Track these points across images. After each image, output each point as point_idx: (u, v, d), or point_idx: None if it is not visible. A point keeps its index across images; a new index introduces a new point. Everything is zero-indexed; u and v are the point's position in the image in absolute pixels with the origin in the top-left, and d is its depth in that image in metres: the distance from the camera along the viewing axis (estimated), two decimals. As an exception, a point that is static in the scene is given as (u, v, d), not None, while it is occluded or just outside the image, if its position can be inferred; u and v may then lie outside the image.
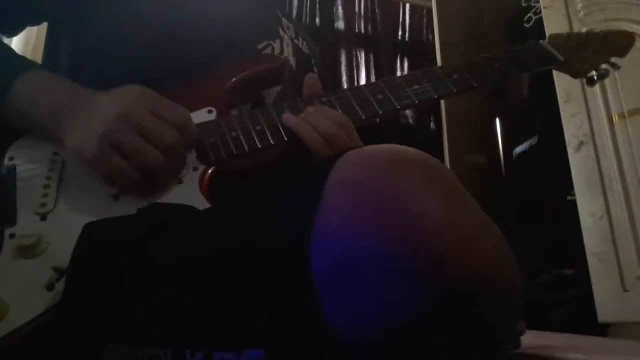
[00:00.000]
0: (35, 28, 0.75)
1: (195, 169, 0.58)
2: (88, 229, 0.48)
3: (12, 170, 0.57)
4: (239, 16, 0.73)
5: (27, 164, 0.57)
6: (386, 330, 0.30)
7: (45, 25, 0.75)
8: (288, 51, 0.78)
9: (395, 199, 0.32)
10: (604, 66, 0.75)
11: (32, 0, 0.69)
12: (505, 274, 0.32)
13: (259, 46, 0.74)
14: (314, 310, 0.31)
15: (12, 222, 0.52)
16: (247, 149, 0.59)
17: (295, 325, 0.32)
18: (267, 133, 0.60)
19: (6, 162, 0.58)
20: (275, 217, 0.38)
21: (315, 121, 0.61)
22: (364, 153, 0.36)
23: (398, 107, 0.67)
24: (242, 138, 0.59)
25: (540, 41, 0.75)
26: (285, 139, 0.62)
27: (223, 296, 0.35)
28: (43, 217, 0.53)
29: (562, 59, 0.72)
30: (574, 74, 0.78)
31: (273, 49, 0.75)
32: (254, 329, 0.33)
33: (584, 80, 0.78)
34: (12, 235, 0.51)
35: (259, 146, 0.59)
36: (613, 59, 0.75)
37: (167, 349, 0.36)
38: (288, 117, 0.63)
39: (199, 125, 0.60)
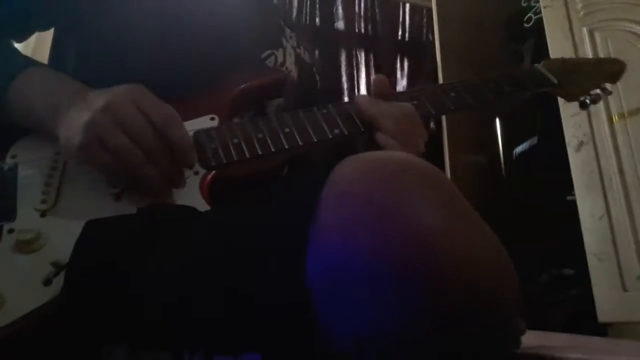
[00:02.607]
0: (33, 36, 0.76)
1: (196, 172, 0.58)
2: (90, 225, 0.49)
3: (14, 167, 0.57)
4: (244, 26, 0.74)
5: (29, 162, 0.58)
6: (381, 340, 0.31)
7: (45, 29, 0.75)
8: (290, 60, 0.79)
9: (393, 210, 0.32)
10: (596, 91, 0.78)
11: (40, 6, 0.70)
12: (503, 284, 0.32)
13: (262, 55, 0.75)
14: (309, 317, 0.32)
15: (12, 217, 0.53)
16: (247, 156, 0.59)
17: (292, 330, 0.32)
18: (269, 141, 0.61)
19: (8, 159, 0.58)
20: (273, 223, 0.38)
21: (389, 112, 0.64)
22: (362, 162, 0.36)
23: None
24: (243, 145, 0.60)
25: (535, 64, 0.78)
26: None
27: (221, 300, 0.36)
28: (43, 214, 0.54)
29: (555, 81, 0.74)
30: (567, 97, 0.81)
31: (276, 58, 0.76)
32: (252, 333, 0.33)
33: (577, 103, 0.81)
34: (10, 231, 0.51)
35: (260, 153, 0.60)
36: (605, 85, 0.78)
37: (166, 351, 0.36)
38: (365, 104, 0.65)
39: (200, 131, 0.61)
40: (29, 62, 0.61)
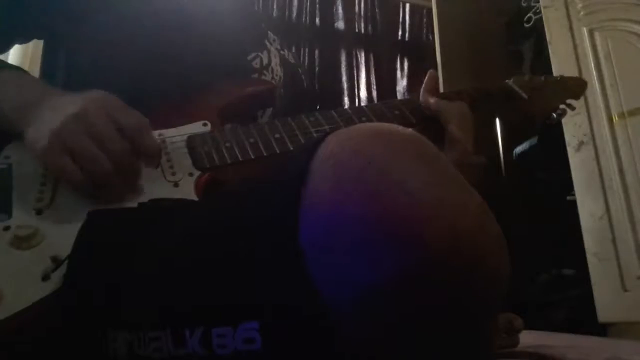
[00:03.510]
0: (33, 41, 0.77)
1: (190, 174, 0.59)
2: (93, 215, 0.50)
3: (8, 167, 0.58)
4: (228, 31, 0.77)
5: (23, 162, 0.58)
6: (373, 294, 0.31)
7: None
8: (275, 61, 0.81)
9: (379, 166, 0.33)
10: (562, 106, 0.85)
11: (21, 19, 0.71)
12: (488, 235, 0.33)
13: (248, 57, 0.77)
14: (304, 279, 0.32)
15: (8, 215, 0.53)
16: (240, 158, 0.61)
17: (287, 295, 0.33)
18: (260, 145, 0.62)
19: (2, 160, 0.59)
20: (265, 190, 0.39)
21: (450, 108, 0.68)
22: (350, 130, 0.38)
23: None
24: (235, 148, 0.62)
25: (506, 80, 0.84)
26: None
27: (218, 272, 0.37)
28: (39, 212, 0.54)
29: (525, 96, 0.81)
30: (536, 112, 0.87)
31: (261, 60, 0.78)
32: (249, 302, 0.34)
33: (545, 119, 0.88)
34: (6, 228, 0.51)
35: (252, 157, 0.61)
36: (569, 101, 0.86)
37: (166, 329, 0.37)
38: (431, 100, 0.70)
39: (194, 135, 0.63)
40: (1, 65, 0.62)
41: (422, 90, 0.73)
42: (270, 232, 0.35)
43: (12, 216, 0.53)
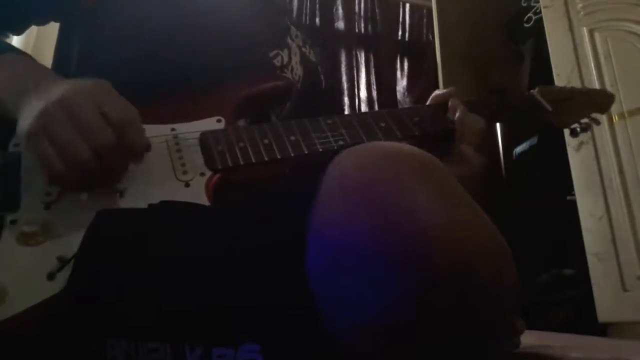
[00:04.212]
0: (35, 29, 0.76)
1: (202, 174, 0.58)
2: (101, 215, 0.49)
3: (17, 156, 0.56)
4: (251, 25, 0.74)
5: (33, 152, 0.57)
6: (380, 325, 0.31)
7: (47, 27, 0.75)
8: (295, 60, 0.79)
9: (389, 196, 0.32)
10: (585, 120, 0.82)
11: (39, 1, 0.70)
12: (499, 266, 0.33)
13: (270, 54, 0.75)
14: (309, 304, 0.32)
15: (15, 207, 0.52)
16: (253, 160, 0.59)
17: (291, 319, 0.33)
18: (274, 147, 0.61)
19: (11, 147, 0.57)
20: (273, 212, 0.38)
21: (467, 120, 0.67)
22: (360, 150, 0.37)
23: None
24: (249, 149, 0.60)
25: (531, 90, 0.81)
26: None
27: (222, 292, 0.36)
28: (47, 206, 0.53)
29: (550, 108, 0.77)
30: (559, 124, 0.85)
31: (282, 58, 0.76)
32: (251, 325, 0.34)
33: (568, 131, 0.86)
34: (13, 222, 0.51)
35: (266, 159, 0.60)
36: (594, 115, 0.82)
37: (166, 343, 0.36)
38: (457, 112, 0.67)
39: (207, 132, 0.61)
40: (2, 48, 0.60)
41: (445, 95, 0.72)
42: (277, 256, 0.35)
43: (20, 209, 0.52)
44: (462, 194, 0.35)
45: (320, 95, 0.85)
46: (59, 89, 0.51)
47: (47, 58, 0.79)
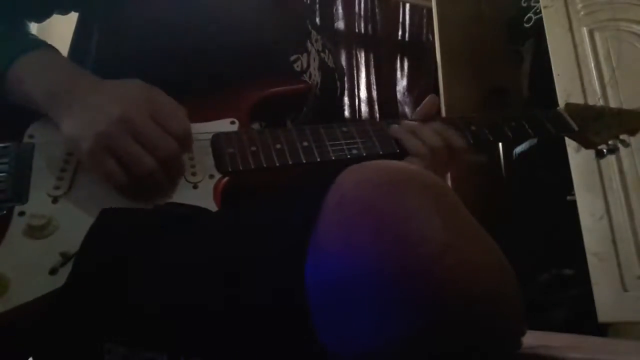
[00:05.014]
0: (38, 25, 0.76)
1: (211, 176, 0.58)
2: (105, 214, 0.49)
3: (30, 148, 0.56)
4: (273, 26, 0.73)
5: (46, 144, 0.57)
6: (382, 356, 0.30)
7: (50, 22, 0.75)
8: (314, 65, 0.78)
9: (394, 223, 0.31)
10: (613, 142, 0.76)
11: None
12: (505, 301, 0.32)
13: (291, 59, 0.74)
14: (307, 332, 0.31)
15: (23, 199, 0.52)
16: (264, 165, 0.59)
17: (291, 347, 0.32)
18: (287, 153, 0.61)
19: (26, 139, 0.57)
20: (274, 229, 0.38)
21: (420, 133, 0.65)
22: (364, 170, 0.36)
23: None
24: (261, 153, 0.60)
25: (558, 108, 0.76)
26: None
27: (221, 306, 0.36)
28: (55, 200, 0.53)
29: (576, 128, 0.72)
30: (586, 144, 0.78)
31: (302, 63, 0.75)
32: (250, 340, 0.33)
33: (594, 151, 0.79)
34: (21, 214, 0.51)
35: (277, 164, 0.60)
36: (623, 136, 0.76)
37: (163, 353, 0.36)
38: (394, 128, 0.66)
39: (219, 134, 0.61)
40: (35, 45, 0.60)
41: (418, 112, 0.69)
42: (276, 282, 0.34)
43: (28, 201, 0.52)
44: (468, 219, 0.34)
45: (336, 102, 0.84)
46: (112, 103, 0.52)
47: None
